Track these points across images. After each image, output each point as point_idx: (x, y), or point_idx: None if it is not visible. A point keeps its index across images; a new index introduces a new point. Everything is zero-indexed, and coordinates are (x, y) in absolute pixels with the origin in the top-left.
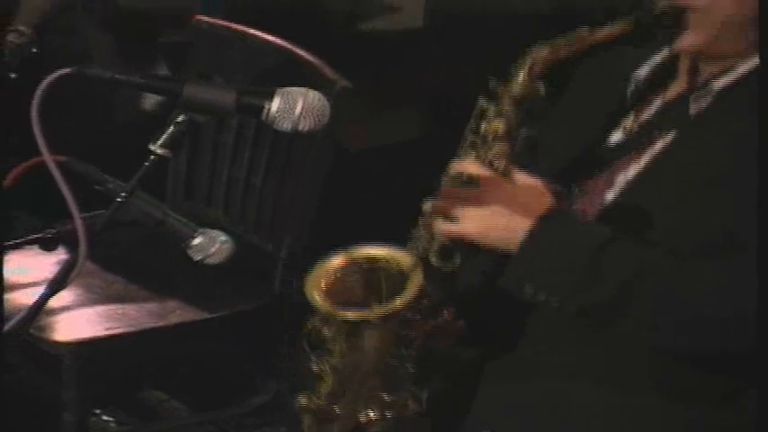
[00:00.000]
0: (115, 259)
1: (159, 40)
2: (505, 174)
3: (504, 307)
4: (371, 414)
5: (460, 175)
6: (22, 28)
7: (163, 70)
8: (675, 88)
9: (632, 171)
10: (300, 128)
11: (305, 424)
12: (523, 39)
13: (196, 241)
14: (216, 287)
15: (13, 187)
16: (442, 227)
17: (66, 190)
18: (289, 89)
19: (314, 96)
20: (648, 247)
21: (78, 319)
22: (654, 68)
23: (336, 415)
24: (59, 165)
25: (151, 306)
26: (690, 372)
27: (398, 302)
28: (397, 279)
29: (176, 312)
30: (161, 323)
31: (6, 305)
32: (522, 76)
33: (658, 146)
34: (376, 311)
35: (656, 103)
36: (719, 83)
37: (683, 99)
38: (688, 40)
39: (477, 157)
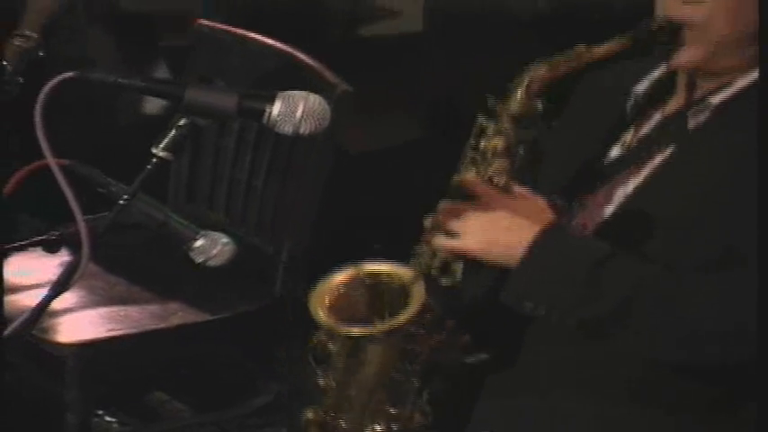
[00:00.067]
0: (118, 261)
1: (160, 44)
2: (506, 189)
3: (505, 319)
4: (377, 428)
5: (461, 190)
6: (28, 33)
7: (164, 74)
8: (674, 103)
9: (631, 185)
10: (301, 131)
11: None
12: (523, 42)
13: (198, 243)
14: (217, 289)
15: (14, 193)
16: (444, 243)
17: (70, 193)
18: (290, 93)
19: (315, 100)
20: (647, 262)
21: (81, 321)
22: (653, 83)
23: (342, 429)
24: (62, 168)
25: (153, 308)
26: (687, 383)
27: (402, 318)
28: (401, 294)
29: (178, 314)
30: (163, 325)
31: (9, 307)
32: (520, 94)
33: (657, 160)
34: (380, 327)
35: (656, 118)
36: (717, 98)
37: (681, 114)
38: (685, 57)
39: (478, 174)
